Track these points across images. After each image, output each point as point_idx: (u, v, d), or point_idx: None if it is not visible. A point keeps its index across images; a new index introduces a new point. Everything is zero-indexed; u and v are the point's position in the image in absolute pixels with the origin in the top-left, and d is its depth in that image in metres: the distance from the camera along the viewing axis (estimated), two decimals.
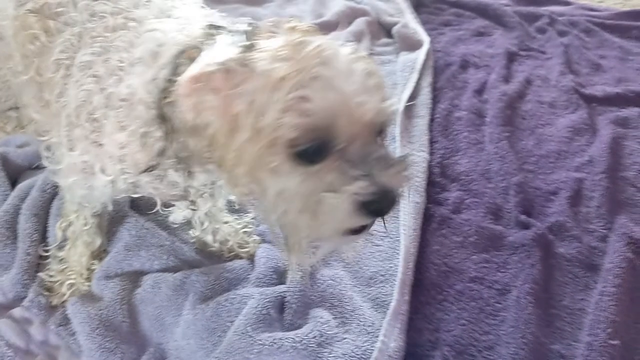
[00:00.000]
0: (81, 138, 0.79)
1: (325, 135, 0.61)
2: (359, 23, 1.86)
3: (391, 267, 1.07)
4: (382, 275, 1.06)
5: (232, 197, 1.12)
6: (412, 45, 1.77)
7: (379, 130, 0.67)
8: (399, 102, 1.48)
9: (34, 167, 1.23)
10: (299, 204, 0.63)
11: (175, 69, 0.68)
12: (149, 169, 0.75)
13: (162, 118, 0.70)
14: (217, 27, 0.70)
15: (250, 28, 0.67)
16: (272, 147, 0.61)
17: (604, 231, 1.19)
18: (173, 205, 1.04)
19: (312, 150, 0.61)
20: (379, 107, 0.64)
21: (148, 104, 0.72)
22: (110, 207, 0.97)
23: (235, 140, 0.63)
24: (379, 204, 0.62)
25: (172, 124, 0.70)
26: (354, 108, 0.62)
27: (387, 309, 0.97)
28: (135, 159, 0.77)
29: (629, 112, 1.56)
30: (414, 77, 1.59)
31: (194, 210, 1.04)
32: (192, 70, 0.64)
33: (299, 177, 0.62)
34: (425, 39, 1.78)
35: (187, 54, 0.68)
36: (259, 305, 0.93)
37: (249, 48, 0.64)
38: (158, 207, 0.94)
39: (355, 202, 0.61)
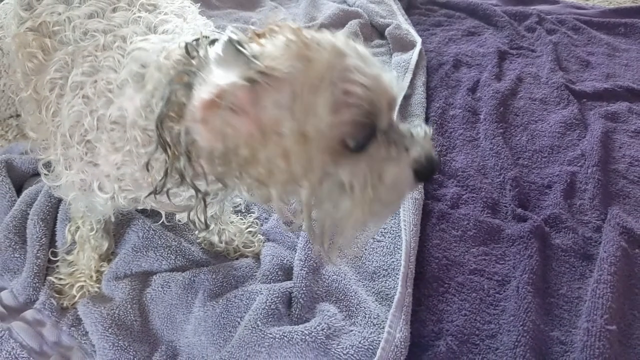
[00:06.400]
0: (76, 158, 0.79)
1: (373, 121, 0.62)
2: (352, 25, 1.88)
3: (393, 261, 1.10)
4: (384, 270, 1.09)
5: (238, 200, 1.15)
6: (404, 46, 1.80)
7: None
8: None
9: (38, 173, 1.25)
10: (360, 186, 0.63)
11: (171, 96, 0.64)
12: (155, 192, 0.72)
13: (164, 144, 0.66)
14: (197, 41, 0.66)
15: (236, 36, 0.62)
16: (325, 146, 0.60)
17: (598, 222, 1.22)
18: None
19: (363, 138, 0.62)
20: (395, 80, 0.65)
21: (144, 128, 0.71)
22: (113, 219, 0.99)
23: (277, 153, 0.60)
24: (430, 169, 0.66)
25: (176, 149, 0.66)
26: (385, 86, 0.63)
27: (391, 302, 1.00)
28: (135, 178, 0.77)
29: (618, 106, 1.60)
30: (408, 77, 1.63)
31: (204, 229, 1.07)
32: (204, 94, 0.59)
33: (354, 164, 0.63)
34: (418, 39, 1.82)
35: (177, 79, 0.64)
36: (267, 300, 0.96)
37: (256, 57, 0.60)
38: (163, 219, 0.95)
39: (413, 170, 0.65)
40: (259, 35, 0.64)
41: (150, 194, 0.73)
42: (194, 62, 0.64)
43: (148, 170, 0.72)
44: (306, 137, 0.59)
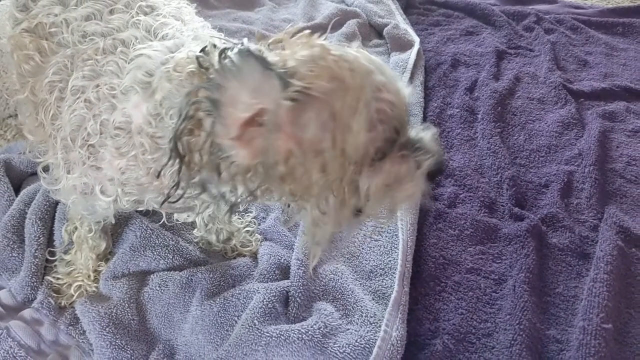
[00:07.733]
0: (78, 162, 0.78)
1: (398, 134, 0.65)
2: (351, 25, 1.89)
3: (390, 260, 1.10)
4: (381, 269, 1.09)
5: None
6: (403, 45, 1.81)
7: None
8: None
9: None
10: (377, 196, 0.67)
11: (190, 110, 0.61)
12: (168, 199, 0.70)
13: (181, 157, 0.64)
14: (203, 50, 0.65)
15: (258, 51, 0.60)
16: (358, 160, 0.62)
17: (595, 221, 1.23)
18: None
19: (387, 150, 0.65)
20: (409, 91, 0.68)
21: (151, 135, 0.71)
22: (113, 221, 0.98)
23: (315, 168, 0.61)
24: (440, 170, 0.71)
25: (191, 161, 0.64)
26: (405, 101, 0.66)
27: (388, 301, 1.00)
28: (140, 182, 0.77)
29: (616, 106, 1.61)
30: (406, 76, 1.63)
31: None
32: (241, 112, 0.58)
33: (374, 173, 0.65)
34: (416, 39, 1.82)
35: (194, 93, 0.61)
36: (264, 299, 0.96)
37: (288, 75, 0.58)
38: (164, 219, 0.95)
39: (425, 176, 0.69)
40: (274, 43, 0.64)
41: (164, 202, 0.71)
42: (210, 75, 0.61)
43: (158, 177, 0.72)
44: (344, 153, 0.61)
